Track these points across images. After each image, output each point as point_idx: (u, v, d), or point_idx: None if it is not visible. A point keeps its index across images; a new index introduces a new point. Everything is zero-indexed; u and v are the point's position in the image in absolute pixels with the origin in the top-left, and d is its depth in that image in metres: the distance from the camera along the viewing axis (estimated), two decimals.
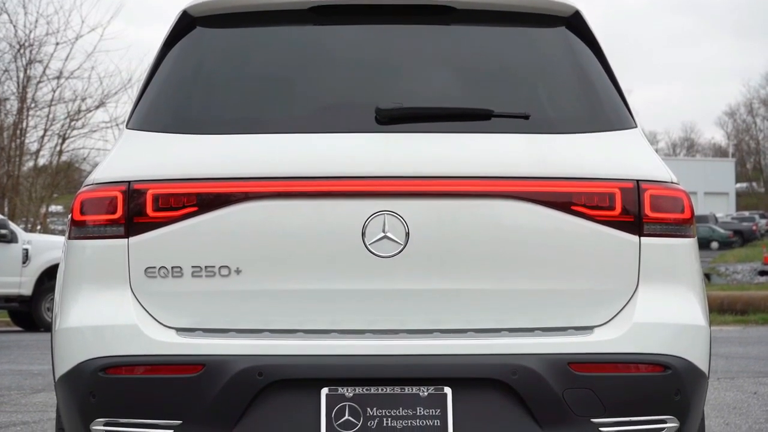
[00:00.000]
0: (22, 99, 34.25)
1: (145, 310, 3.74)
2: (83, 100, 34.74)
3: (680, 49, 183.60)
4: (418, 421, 3.60)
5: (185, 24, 4.16)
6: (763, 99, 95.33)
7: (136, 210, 3.74)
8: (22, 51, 34.06)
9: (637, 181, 3.81)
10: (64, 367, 3.77)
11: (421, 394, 3.62)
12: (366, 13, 4.13)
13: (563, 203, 3.75)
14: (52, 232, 33.46)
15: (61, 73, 34.47)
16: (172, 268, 3.73)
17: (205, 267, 3.72)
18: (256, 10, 4.14)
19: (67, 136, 34.95)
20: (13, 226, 19.62)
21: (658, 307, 3.78)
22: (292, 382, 3.62)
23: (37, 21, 37.38)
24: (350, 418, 3.61)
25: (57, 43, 34.41)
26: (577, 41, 4.14)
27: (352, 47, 4.12)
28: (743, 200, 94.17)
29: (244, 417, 3.61)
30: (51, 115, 34.60)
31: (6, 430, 7.56)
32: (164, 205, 3.73)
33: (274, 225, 3.71)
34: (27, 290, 19.04)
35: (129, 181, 3.77)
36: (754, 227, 66.60)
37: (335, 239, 3.70)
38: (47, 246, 19.38)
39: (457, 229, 3.71)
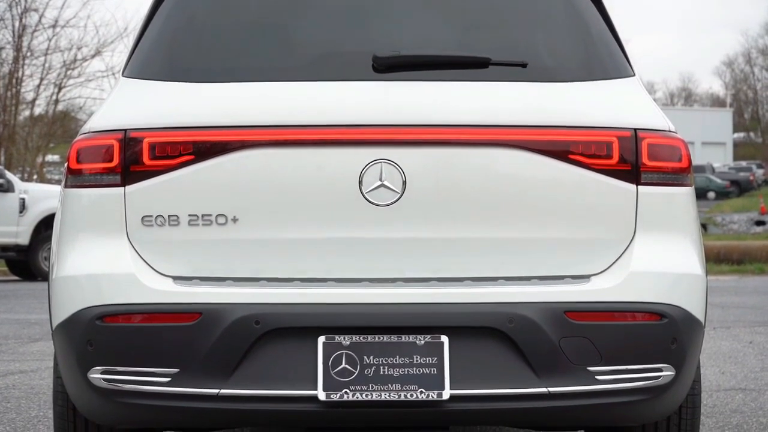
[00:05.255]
0: (18, 48, 34.11)
1: (142, 258, 3.73)
2: (79, 49, 34.62)
3: None
4: (414, 369, 3.61)
5: None
6: (761, 49, 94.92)
7: (133, 158, 3.72)
8: None
9: (635, 129, 3.79)
10: (61, 315, 3.77)
11: (418, 342, 3.63)
12: None
13: (560, 152, 3.73)
14: (49, 181, 33.35)
15: (56, 21, 34.33)
16: (169, 216, 3.72)
17: (202, 215, 3.71)
18: None
19: (63, 85, 34.85)
20: (9, 175, 19.60)
21: (654, 256, 3.77)
22: (289, 330, 3.62)
23: None
24: (347, 366, 3.61)
25: None
26: None
27: None
28: (740, 150, 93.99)
29: (241, 365, 3.61)
30: (47, 64, 34.50)
31: (4, 378, 7.59)
32: (161, 154, 3.71)
33: (271, 173, 3.70)
34: (24, 239, 19.04)
35: (125, 129, 3.75)
36: (751, 177, 66.57)
37: (332, 188, 3.69)
38: (44, 195, 19.37)
39: (454, 178, 3.70)
